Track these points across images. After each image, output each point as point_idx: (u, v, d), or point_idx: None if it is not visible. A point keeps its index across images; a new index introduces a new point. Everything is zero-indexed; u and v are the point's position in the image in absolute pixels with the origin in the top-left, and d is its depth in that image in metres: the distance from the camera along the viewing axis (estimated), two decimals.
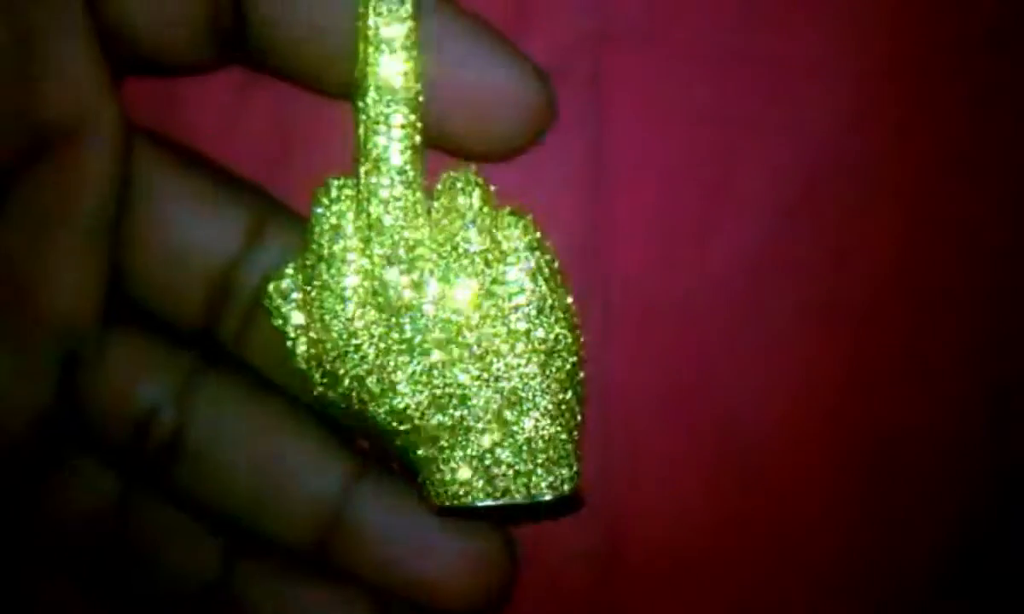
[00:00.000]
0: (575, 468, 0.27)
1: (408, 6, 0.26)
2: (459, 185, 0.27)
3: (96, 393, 0.27)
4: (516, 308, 0.27)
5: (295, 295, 0.27)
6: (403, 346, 0.27)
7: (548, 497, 0.27)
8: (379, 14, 0.26)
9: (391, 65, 0.26)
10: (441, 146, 0.27)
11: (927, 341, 0.33)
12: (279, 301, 0.27)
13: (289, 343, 0.27)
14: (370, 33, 0.26)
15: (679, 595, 0.33)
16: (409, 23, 0.26)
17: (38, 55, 0.25)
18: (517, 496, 0.27)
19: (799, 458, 0.33)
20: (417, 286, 0.26)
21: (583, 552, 0.31)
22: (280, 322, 0.27)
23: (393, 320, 0.27)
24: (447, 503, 0.27)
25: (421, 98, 0.26)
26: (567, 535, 0.29)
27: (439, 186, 0.27)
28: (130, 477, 0.28)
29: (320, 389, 0.27)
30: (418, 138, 0.26)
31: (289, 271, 0.27)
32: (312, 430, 0.28)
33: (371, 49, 0.26)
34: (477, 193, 0.27)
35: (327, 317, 0.27)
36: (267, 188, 0.29)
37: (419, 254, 0.27)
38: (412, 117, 0.26)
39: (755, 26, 0.31)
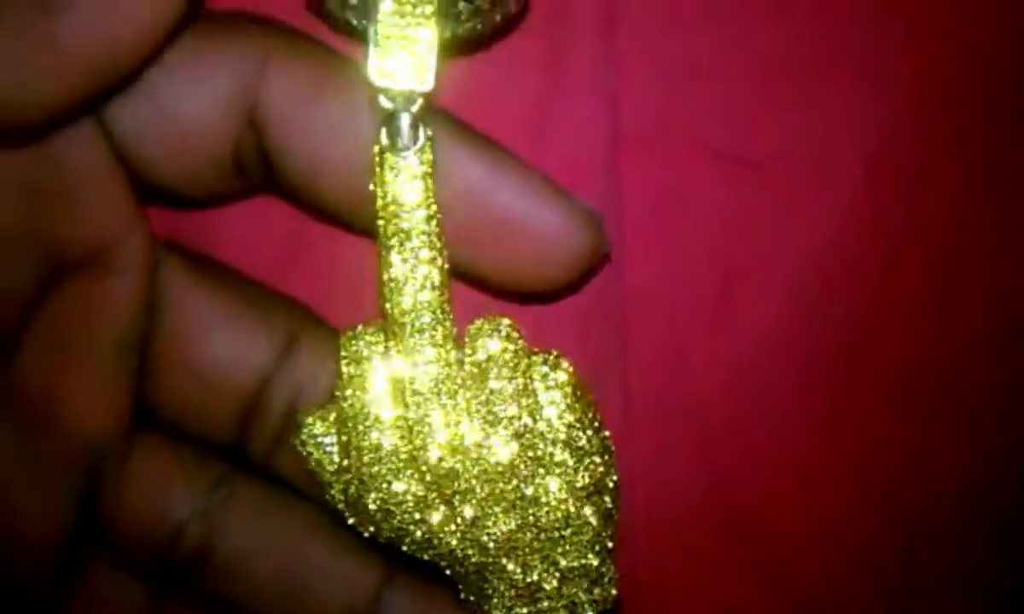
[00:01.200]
0: (613, 578, 0.28)
1: (423, 147, 0.26)
2: (490, 336, 0.27)
3: (122, 508, 0.28)
4: (554, 459, 0.27)
5: (328, 441, 0.27)
6: (444, 505, 0.27)
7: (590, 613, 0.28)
8: (393, 168, 0.26)
9: (410, 206, 0.26)
10: (477, 281, 0.27)
11: (948, 429, 0.33)
12: (312, 446, 0.27)
13: (325, 484, 0.27)
14: (385, 181, 0.26)
15: None
16: (427, 157, 0.26)
17: (63, 188, 0.26)
18: None
19: (823, 551, 0.33)
20: (455, 451, 0.26)
21: None
22: (315, 465, 0.27)
23: (432, 481, 0.26)
24: None
25: (442, 236, 0.26)
26: None
27: (469, 334, 0.27)
28: (159, 586, 0.28)
29: (357, 525, 0.27)
30: (441, 277, 0.26)
31: (320, 416, 0.27)
32: (341, 538, 0.28)
33: (389, 204, 0.26)
34: (510, 346, 0.26)
35: (365, 476, 0.26)
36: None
37: (455, 418, 0.26)
38: (437, 258, 0.26)
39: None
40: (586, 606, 0.28)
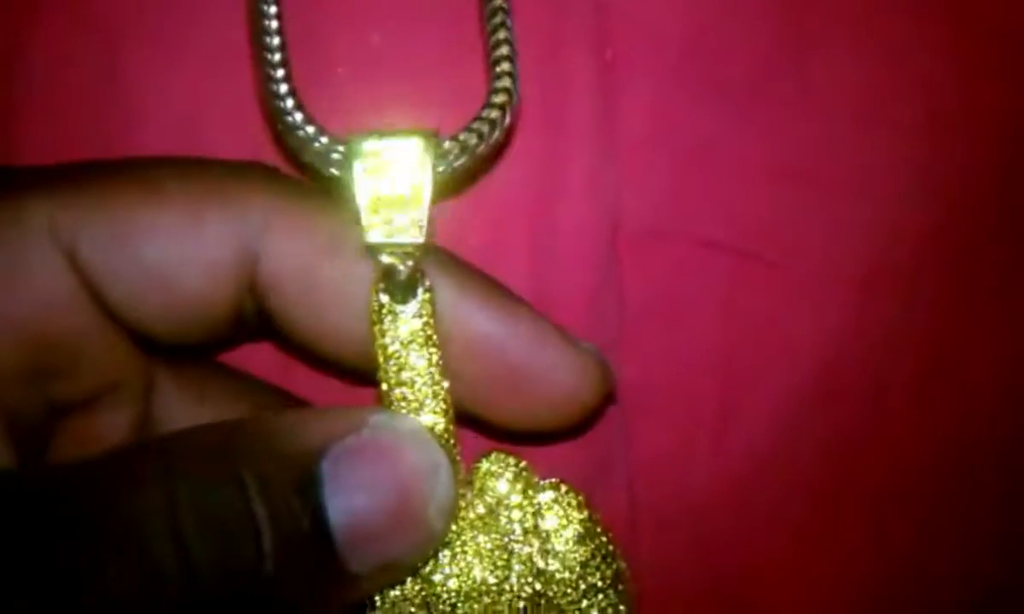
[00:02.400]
0: None
1: (423, 300, 0.26)
2: (499, 477, 0.27)
3: None
4: (568, 598, 0.27)
5: None
6: None
7: None
8: (394, 319, 0.26)
9: (412, 358, 0.26)
10: (485, 424, 0.28)
11: (944, 533, 0.33)
12: None
13: None
14: (386, 337, 0.26)
15: None
16: (426, 310, 0.26)
17: (59, 343, 0.26)
18: None
19: None
20: (466, 596, 0.26)
21: None
22: None
23: None
24: None
25: (446, 385, 0.26)
26: None
27: (477, 474, 0.27)
28: None
29: None
30: (446, 425, 0.26)
31: None
32: None
33: (391, 355, 0.26)
34: (519, 485, 0.26)
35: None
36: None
37: (465, 561, 0.26)
38: (443, 422, 0.26)
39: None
40: None
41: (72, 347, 0.26)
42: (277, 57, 0.27)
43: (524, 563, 0.26)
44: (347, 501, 0.23)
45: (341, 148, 0.26)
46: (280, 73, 0.27)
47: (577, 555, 0.27)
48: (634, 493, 0.32)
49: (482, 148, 0.27)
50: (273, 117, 0.27)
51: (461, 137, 0.27)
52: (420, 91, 0.30)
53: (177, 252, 0.26)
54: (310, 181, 0.28)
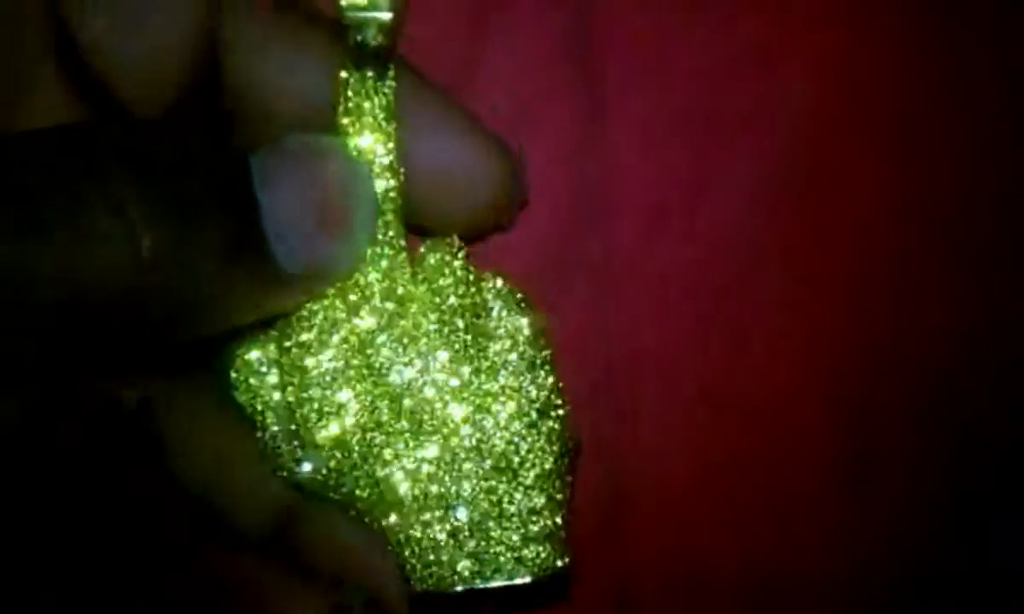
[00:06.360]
0: (563, 548, 0.27)
1: (388, 82, 0.27)
2: (441, 248, 0.27)
3: None
4: (507, 365, 0.27)
5: (266, 370, 0.27)
6: (392, 420, 0.27)
7: (534, 574, 0.27)
8: (359, 89, 0.27)
9: (369, 137, 0.27)
10: (411, 222, 0.28)
11: (911, 319, 0.34)
12: (248, 375, 0.27)
13: (259, 419, 0.27)
14: (350, 105, 0.27)
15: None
16: (389, 97, 0.27)
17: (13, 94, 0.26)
18: (501, 578, 0.27)
19: (791, 432, 0.34)
20: (409, 361, 0.27)
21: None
22: (249, 396, 0.27)
23: (380, 395, 0.27)
24: (430, 588, 0.27)
25: (402, 169, 0.27)
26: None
27: (422, 250, 0.27)
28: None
29: (290, 467, 0.27)
30: (398, 193, 0.27)
31: (259, 343, 0.27)
32: None
33: (351, 120, 0.27)
34: (460, 255, 0.27)
35: (305, 394, 0.27)
36: None
37: (408, 324, 0.27)
38: (394, 183, 0.27)
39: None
40: (532, 566, 0.27)
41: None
42: None
43: (464, 330, 0.27)
44: (275, 195, 0.24)
45: None
46: None
47: (517, 322, 0.27)
48: (608, 275, 0.33)
49: None
50: None
51: None
52: None
53: None
54: None
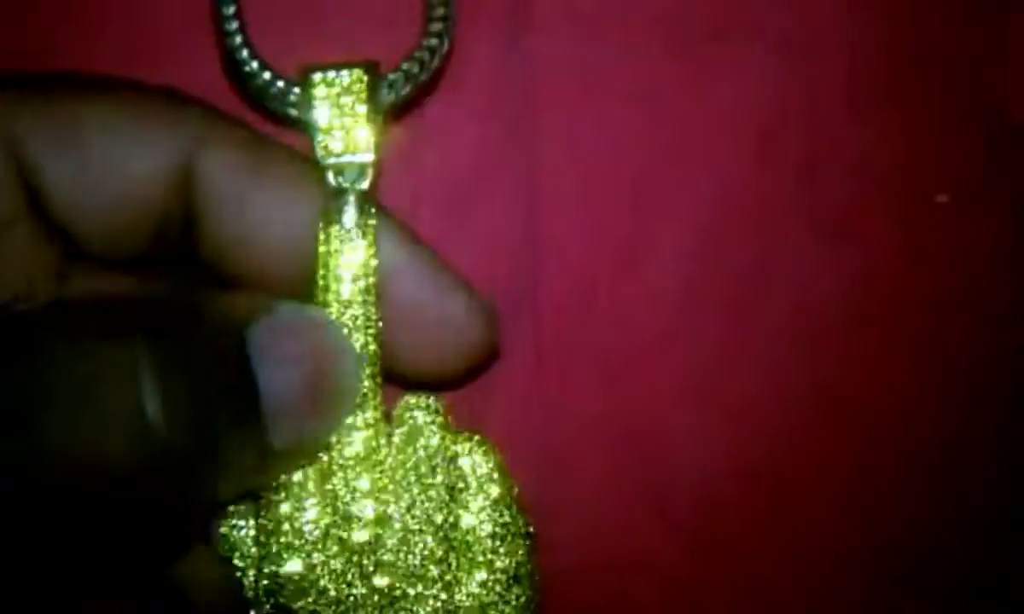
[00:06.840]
0: None
1: (368, 236, 0.27)
2: (418, 412, 0.28)
3: None
4: (479, 538, 0.27)
5: (245, 524, 0.28)
6: (364, 581, 0.27)
7: None
8: (340, 242, 0.27)
9: (351, 291, 0.27)
10: (388, 371, 0.28)
11: (860, 373, 0.35)
12: (227, 530, 0.28)
13: (238, 573, 0.27)
14: (331, 261, 0.27)
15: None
16: (370, 251, 0.27)
17: None
18: None
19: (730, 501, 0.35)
20: (380, 522, 0.27)
21: None
22: (227, 549, 0.28)
23: (355, 555, 0.27)
24: None
25: (380, 325, 0.27)
26: None
27: (397, 412, 0.28)
28: None
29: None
30: (376, 349, 0.27)
31: (240, 512, 0.28)
32: None
33: (332, 276, 0.27)
34: (437, 421, 0.27)
35: (284, 552, 0.27)
36: None
37: (382, 487, 0.27)
38: (373, 345, 0.27)
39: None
40: None
41: None
42: (231, 10, 0.29)
43: (438, 495, 0.27)
44: (272, 372, 0.24)
45: (297, 89, 0.29)
46: (235, 26, 0.29)
47: (492, 492, 0.28)
48: (541, 334, 0.33)
49: (424, 75, 0.30)
50: (231, 67, 0.30)
51: (404, 66, 0.29)
52: (359, 40, 0.32)
53: (117, 147, 0.27)
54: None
